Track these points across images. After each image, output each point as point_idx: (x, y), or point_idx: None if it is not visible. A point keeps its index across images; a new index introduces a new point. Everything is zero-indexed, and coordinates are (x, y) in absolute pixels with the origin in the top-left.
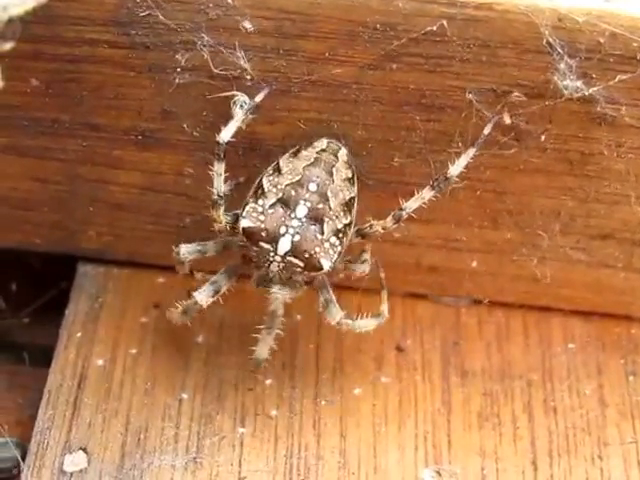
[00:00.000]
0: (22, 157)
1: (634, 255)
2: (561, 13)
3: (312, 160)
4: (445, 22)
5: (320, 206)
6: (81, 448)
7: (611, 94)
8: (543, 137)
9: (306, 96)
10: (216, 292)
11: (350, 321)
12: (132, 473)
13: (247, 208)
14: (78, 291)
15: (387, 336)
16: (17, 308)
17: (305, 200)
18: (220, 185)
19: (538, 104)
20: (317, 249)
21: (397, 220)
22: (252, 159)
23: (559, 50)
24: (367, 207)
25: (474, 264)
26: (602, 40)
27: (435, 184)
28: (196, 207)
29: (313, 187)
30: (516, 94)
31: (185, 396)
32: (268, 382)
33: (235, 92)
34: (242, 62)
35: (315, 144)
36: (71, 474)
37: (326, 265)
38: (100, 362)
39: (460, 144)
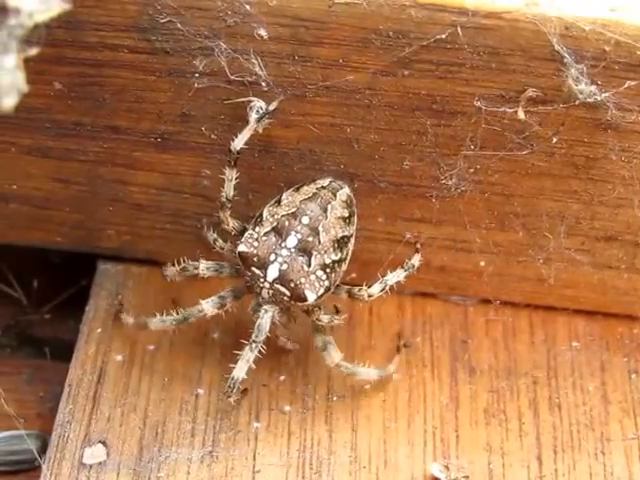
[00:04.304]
0: (45, 158)
1: (637, 256)
2: (568, 22)
3: (310, 195)
4: (455, 30)
5: (310, 239)
6: (100, 441)
7: (619, 100)
8: (555, 139)
9: (320, 101)
10: (222, 305)
11: (350, 365)
12: (150, 466)
13: (246, 234)
14: (98, 288)
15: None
16: (39, 304)
17: (296, 232)
18: (230, 190)
19: (551, 107)
20: (302, 280)
21: (383, 289)
22: (267, 161)
23: (567, 57)
24: (379, 209)
25: (482, 264)
26: (607, 48)
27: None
28: (213, 208)
29: (305, 220)
30: (533, 89)
31: (201, 391)
32: (282, 378)
33: (251, 97)
34: (257, 69)
35: (318, 181)
36: (90, 466)
37: (310, 297)
38: (119, 357)
39: (472, 146)
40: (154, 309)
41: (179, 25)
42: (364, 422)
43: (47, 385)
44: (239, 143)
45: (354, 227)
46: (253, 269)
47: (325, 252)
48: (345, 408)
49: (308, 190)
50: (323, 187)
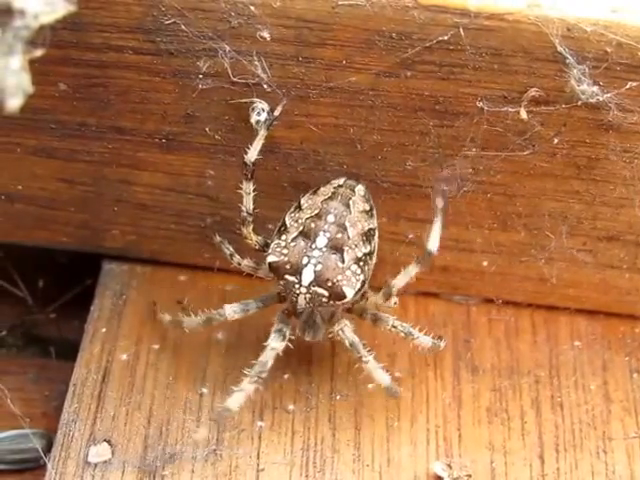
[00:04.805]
0: (50, 159)
1: (638, 256)
2: (570, 23)
3: (330, 194)
4: (458, 31)
5: (339, 236)
6: (105, 440)
7: (621, 101)
8: (556, 140)
9: (324, 102)
10: (284, 337)
11: (405, 324)
12: (154, 464)
13: (272, 245)
14: (103, 288)
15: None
16: (44, 304)
17: (324, 231)
18: (249, 203)
19: (553, 108)
20: (339, 277)
21: (387, 297)
22: (271, 162)
23: (569, 58)
24: (382, 209)
25: (484, 264)
26: (609, 49)
27: (420, 259)
28: (217, 208)
29: (331, 218)
30: (535, 89)
31: (205, 390)
32: (286, 377)
33: (254, 99)
34: (260, 71)
35: (333, 181)
36: (95, 465)
37: (349, 293)
38: (124, 357)
39: (474, 147)
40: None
41: (183, 27)
42: (367, 421)
43: (52, 384)
44: (253, 155)
45: (376, 220)
46: (286, 277)
47: (356, 246)
48: (348, 407)
49: (326, 191)
50: (340, 185)
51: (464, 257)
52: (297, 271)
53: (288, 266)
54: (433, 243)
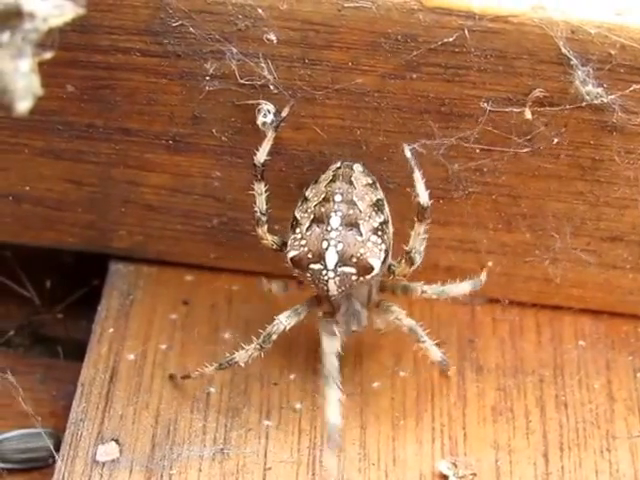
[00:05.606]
0: (57, 160)
1: None
2: (574, 25)
3: (331, 177)
4: (463, 33)
5: (351, 212)
6: (113, 439)
7: (625, 103)
8: (556, 140)
9: (330, 104)
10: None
11: (435, 285)
12: (162, 463)
13: (289, 241)
14: (110, 288)
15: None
16: (51, 304)
17: (335, 211)
18: (262, 204)
19: (557, 109)
20: (362, 250)
21: (410, 262)
22: (277, 163)
23: (573, 60)
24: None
25: (489, 265)
26: (613, 52)
27: (420, 217)
28: (223, 208)
29: (338, 198)
30: (540, 89)
31: (213, 390)
32: (292, 377)
33: (260, 101)
34: (266, 73)
35: (330, 166)
36: (103, 464)
37: (376, 264)
38: (131, 356)
39: (478, 150)
40: (165, 309)
41: (191, 29)
42: (373, 420)
43: (60, 384)
44: (262, 156)
45: (381, 191)
46: (311, 266)
47: (370, 217)
48: (354, 406)
49: (327, 176)
50: (338, 167)
51: (469, 257)
52: (320, 257)
53: (310, 255)
54: (423, 196)
